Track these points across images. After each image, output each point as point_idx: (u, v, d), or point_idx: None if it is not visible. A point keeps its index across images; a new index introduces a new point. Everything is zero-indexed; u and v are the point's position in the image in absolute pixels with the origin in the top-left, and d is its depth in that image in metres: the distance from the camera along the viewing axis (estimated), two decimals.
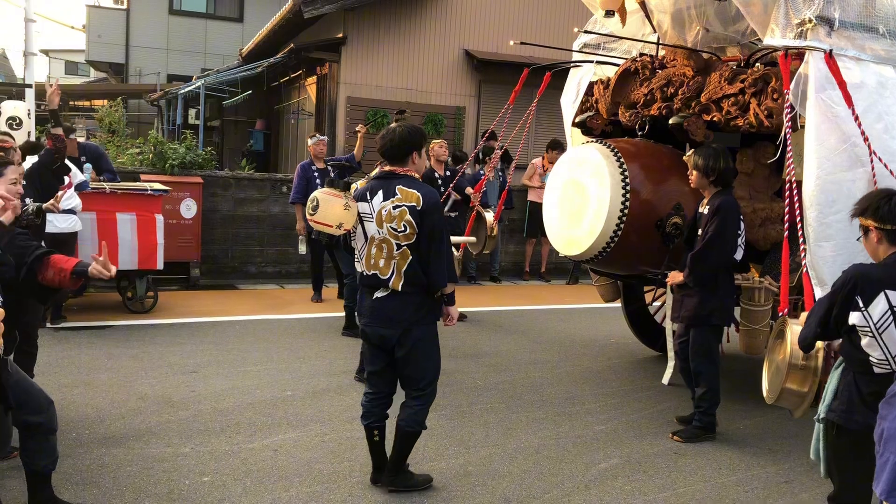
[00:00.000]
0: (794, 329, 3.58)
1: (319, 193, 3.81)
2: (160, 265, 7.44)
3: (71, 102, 24.69)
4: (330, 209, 3.75)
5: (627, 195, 5.19)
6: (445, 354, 6.57)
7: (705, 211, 4.82)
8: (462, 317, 7.93)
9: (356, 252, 3.92)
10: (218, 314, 7.66)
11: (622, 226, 5.21)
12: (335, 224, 3.78)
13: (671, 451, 4.71)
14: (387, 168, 3.90)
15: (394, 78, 13.07)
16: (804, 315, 3.48)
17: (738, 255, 4.78)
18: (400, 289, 3.76)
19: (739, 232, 4.75)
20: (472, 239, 7.65)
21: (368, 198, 3.82)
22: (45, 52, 34.78)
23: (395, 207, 3.73)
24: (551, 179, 5.92)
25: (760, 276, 5.29)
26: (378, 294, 3.82)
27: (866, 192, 4.66)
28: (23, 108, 7.96)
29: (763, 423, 5.29)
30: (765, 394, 3.90)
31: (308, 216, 3.85)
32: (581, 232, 5.44)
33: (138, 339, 6.51)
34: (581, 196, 5.46)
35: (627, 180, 5.22)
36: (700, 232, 4.82)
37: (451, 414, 5.14)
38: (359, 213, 3.82)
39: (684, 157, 5.02)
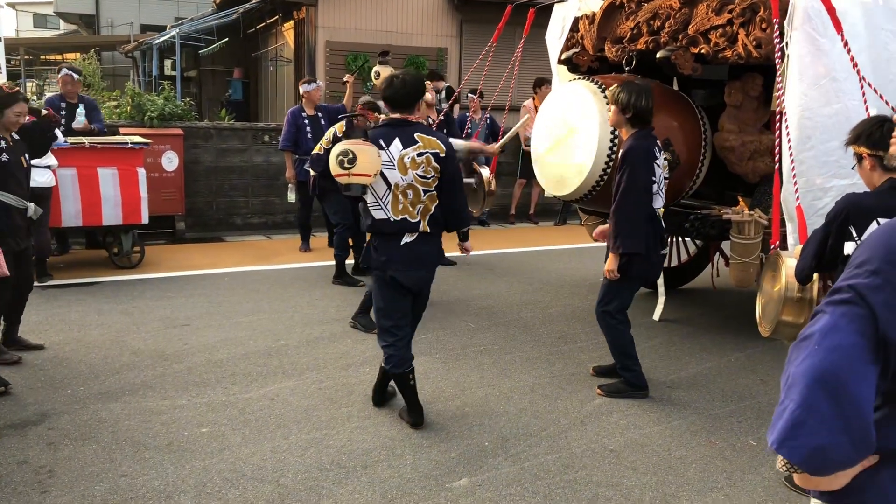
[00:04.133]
0: (788, 262, 3.58)
1: (351, 146, 3.74)
2: (145, 219, 7.34)
3: (42, 57, 24.13)
4: (367, 159, 3.74)
5: (616, 132, 5.14)
6: (438, 299, 6.67)
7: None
8: (451, 262, 7.93)
9: (375, 200, 3.87)
10: (206, 267, 7.61)
11: (611, 164, 5.17)
12: (373, 173, 3.77)
13: (665, 385, 4.76)
14: (396, 115, 3.90)
15: (373, 20, 12.79)
16: (798, 248, 3.47)
17: (658, 203, 4.38)
18: (429, 230, 3.93)
19: (654, 178, 4.32)
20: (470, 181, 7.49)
21: (384, 145, 3.82)
22: (12, 6, 33.85)
23: (419, 154, 3.82)
24: (538, 120, 5.85)
25: (750, 209, 5.28)
26: (406, 239, 3.92)
27: (842, 128, 4.61)
28: None
29: (754, 355, 5.36)
30: (759, 327, 3.93)
31: (342, 170, 3.71)
32: (570, 172, 5.40)
33: (127, 295, 6.47)
34: (569, 135, 5.41)
35: None
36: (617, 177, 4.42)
37: (446, 357, 5.16)
38: None
39: (607, 91, 4.62)
